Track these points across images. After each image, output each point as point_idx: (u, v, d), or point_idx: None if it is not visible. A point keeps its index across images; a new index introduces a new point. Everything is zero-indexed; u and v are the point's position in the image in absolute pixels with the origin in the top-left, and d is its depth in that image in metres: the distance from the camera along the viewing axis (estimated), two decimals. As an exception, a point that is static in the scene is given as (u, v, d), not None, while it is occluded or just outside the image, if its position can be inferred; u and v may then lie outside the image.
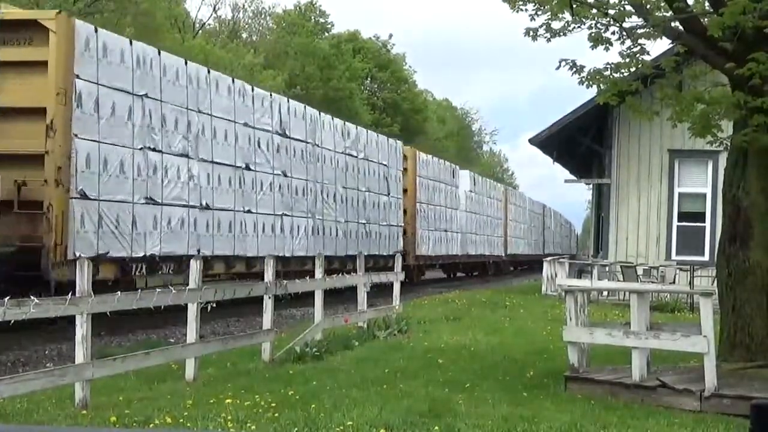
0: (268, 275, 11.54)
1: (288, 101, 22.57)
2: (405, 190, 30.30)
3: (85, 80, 14.60)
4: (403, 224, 29.74)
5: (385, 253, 27.11)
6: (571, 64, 10.47)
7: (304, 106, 23.19)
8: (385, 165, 28.38)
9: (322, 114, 24.31)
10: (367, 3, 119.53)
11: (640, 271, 20.50)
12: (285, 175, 21.48)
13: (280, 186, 21.24)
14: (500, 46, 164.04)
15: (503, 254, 44.75)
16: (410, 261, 29.17)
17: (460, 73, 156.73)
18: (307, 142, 22.74)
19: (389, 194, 28.63)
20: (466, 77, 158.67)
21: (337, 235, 24.48)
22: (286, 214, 21.53)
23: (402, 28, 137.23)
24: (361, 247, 24.59)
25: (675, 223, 22.78)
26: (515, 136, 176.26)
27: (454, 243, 35.71)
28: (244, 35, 60.25)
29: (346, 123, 26.14)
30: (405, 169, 30.33)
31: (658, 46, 42.96)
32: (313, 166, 23.19)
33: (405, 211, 30.23)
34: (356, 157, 25.99)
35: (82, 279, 8.28)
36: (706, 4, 10.34)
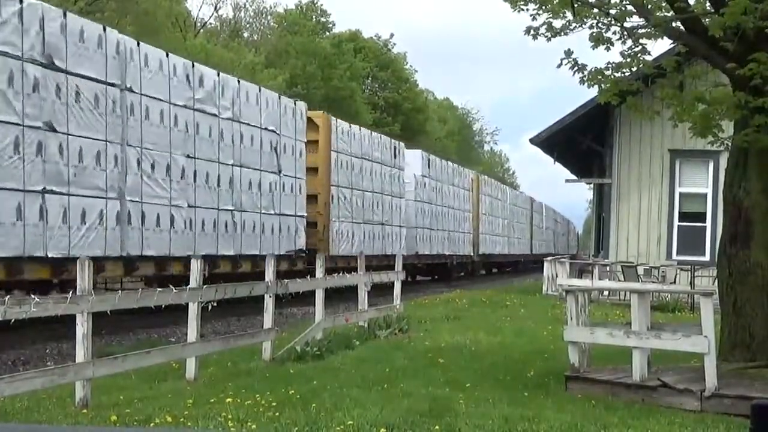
0: (269, 274, 11.54)
1: (64, 15, 14.33)
2: (313, 169, 22.92)
3: None
4: (305, 214, 22.24)
5: (271, 252, 15.78)
6: (572, 62, 10.47)
7: (103, 27, 15.50)
8: (274, 132, 20.72)
9: (142, 45, 16.37)
10: (368, 2, 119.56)
11: (640, 270, 20.50)
12: (51, 129, 13.79)
13: (40, 145, 13.58)
14: (503, 45, 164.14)
15: (473, 254, 38.01)
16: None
17: (463, 73, 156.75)
18: (109, 84, 15.14)
19: (280, 172, 20.97)
20: (468, 77, 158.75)
21: (172, 225, 16.95)
22: (50, 191, 13.86)
23: (403, 28, 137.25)
24: (224, 244, 18.58)
25: (676, 223, 22.79)
26: (517, 136, 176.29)
27: (396, 240, 28.24)
28: (246, 34, 60.24)
29: (197, 65, 18.35)
30: (314, 142, 22.90)
31: (659, 46, 42.98)
32: (121, 121, 15.53)
33: (315, 198, 23.10)
34: (216, 115, 18.36)
35: (82, 278, 8.28)
36: (707, 4, 10.34)
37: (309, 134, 22.59)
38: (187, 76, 17.50)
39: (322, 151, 23.29)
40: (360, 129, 26.36)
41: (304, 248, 21.98)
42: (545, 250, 56.28)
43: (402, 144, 29.98)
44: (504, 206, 44.87)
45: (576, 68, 10.53)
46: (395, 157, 28.45)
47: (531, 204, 54.36)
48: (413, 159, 30.91)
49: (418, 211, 30.83)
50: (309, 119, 22.83)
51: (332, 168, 23.65)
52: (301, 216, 22.01)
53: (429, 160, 32.56)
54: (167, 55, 17.06)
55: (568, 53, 10.43)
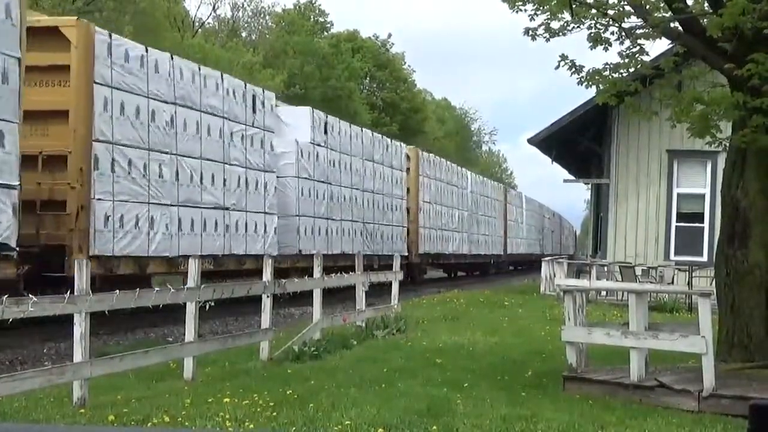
0: (267, 274, 11.54)
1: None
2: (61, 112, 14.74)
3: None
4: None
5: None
6: (570, 63, 10.48)
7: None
8: None
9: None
10: (367, 2, 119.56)
11: (638, 271, 20.50)
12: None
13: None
14: (502, 45, 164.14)
15: (410, 253, 31.07)
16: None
17: (461, 73, 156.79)
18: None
19: None
20: (467, 77, 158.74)
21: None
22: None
23: (401, 28, 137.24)
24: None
25: (674, 223, 22.80)
26: (516, 136, 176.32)
27: (257, 234, 20.02)
28: (244, 34, 60.23)
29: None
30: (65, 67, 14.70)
31: (657, 47, 42.99)
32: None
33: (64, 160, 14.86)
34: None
35: (81, 278, 8.28)
36: (706, 4, 10.35)
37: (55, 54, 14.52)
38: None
39: (77, 79, 14.69)
40: (171, 58, 17.03)
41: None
42: (526, 251, 51.98)
43: (271, 94, 21.67)
44: (463, 194, 37.69)
45: (574, 69, 10.54)
46: (255, 111, 19.98)
47: (505, 194, 47.50)
48: (298, 119, 22.94)
49: (303, 192, 22.54)
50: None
51: (95, 110, 14.77)
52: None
53: (326, 123, 24.07)
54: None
55: (564, 57, 10.44)
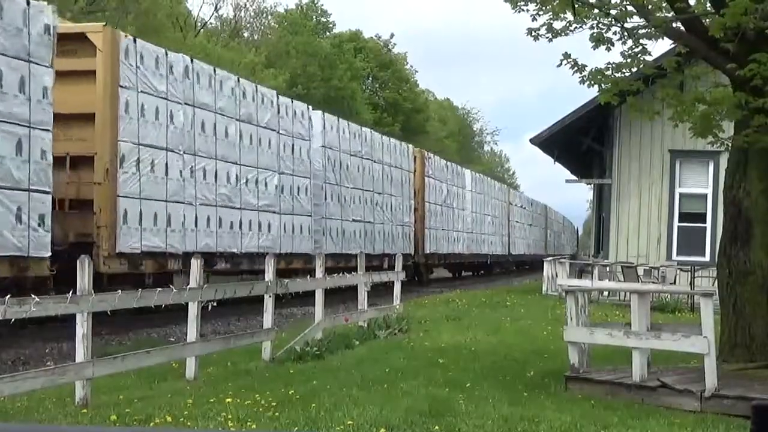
0: (269, 274, 11.54)
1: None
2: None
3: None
4: None
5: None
6: (572, 63, 10.47)
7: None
8: None
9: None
10: (369, 2, 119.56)
11: (640, 271, 20.49)
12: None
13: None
14: (505, 45, 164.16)
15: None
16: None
17: (464, 73, 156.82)
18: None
19: None
20: (469, 77, 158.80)
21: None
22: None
23: (404, 28, 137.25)
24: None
25: (676, 223, 22.77)
26: (519, 136, 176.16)
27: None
28: (246, 34, 60.22)
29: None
30: None
31: (659, 47, 43.03)
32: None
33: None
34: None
35: (83, 278, 8.28)
36: (708, 4, 10.34)
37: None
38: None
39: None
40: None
41: None
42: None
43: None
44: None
45: (576, 68, 10.53)
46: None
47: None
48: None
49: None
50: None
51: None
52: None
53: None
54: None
55: (566, 56, 10.43)
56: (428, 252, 31.81)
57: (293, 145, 21.62)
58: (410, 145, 31.94)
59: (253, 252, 19.52)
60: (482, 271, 43.54)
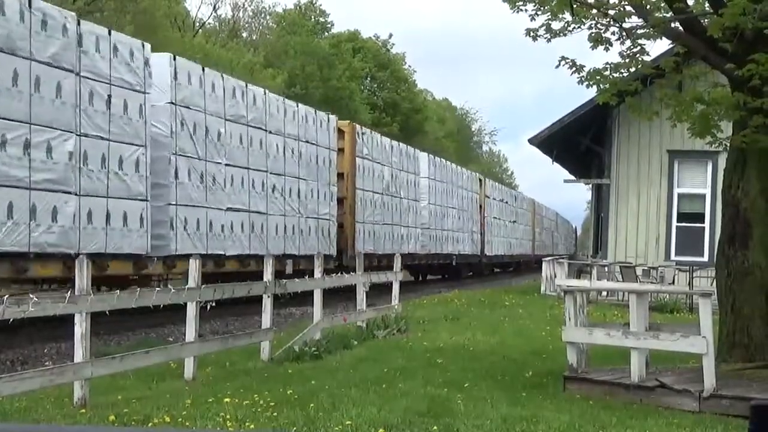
0: (268, 274, 11.54)
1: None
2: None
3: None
4: None
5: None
6: (570, 63, 10.48)
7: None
8: None
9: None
10: (367, 2, 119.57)
11: (639, 271, 20.51)
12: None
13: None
14: (503, 46, 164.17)
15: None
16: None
17: (463, 73, 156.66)
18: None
19: None
20: (468, 77, 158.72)
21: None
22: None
23: (402, 28, 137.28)
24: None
25: (674, 223, 22.79)
26: (518, 137, 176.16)
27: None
28: (244, 34, 60.21)
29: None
30: None
31: (658, 47, 43.03)
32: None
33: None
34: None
35: (81, 278, 8.27)
36: (706, 4, 10.34)
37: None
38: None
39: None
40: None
41: None
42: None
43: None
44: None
45: (574, 69, 10.54)
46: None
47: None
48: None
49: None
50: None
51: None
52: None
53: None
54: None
55: (564, 58, 10.44)
56: (361, 251, 21.78)
57: (110, 95, 14.84)
58: (333, 116, 24.11)
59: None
60: (446, 275, 35.90)
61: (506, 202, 44.39)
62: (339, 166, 23.88)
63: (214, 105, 18.00)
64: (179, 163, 16.87)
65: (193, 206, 17.26)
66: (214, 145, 18.00)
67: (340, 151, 24.02)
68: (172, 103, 16.69)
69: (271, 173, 20.20)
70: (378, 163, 26.30)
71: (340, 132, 24.30)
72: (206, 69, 18.42)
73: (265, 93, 20.34)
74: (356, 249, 23.74)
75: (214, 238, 17.92)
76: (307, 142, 21.97)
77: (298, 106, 21.94)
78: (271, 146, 20.17)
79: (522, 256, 47.52)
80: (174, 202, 16.68)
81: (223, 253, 18.19)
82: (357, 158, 24.76)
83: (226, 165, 18.41)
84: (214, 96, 18.03)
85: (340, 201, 24.05)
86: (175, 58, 17.11)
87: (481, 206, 38.24)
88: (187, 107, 17.12)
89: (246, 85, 19.66)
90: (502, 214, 42.65)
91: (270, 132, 20.16)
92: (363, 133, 25.63)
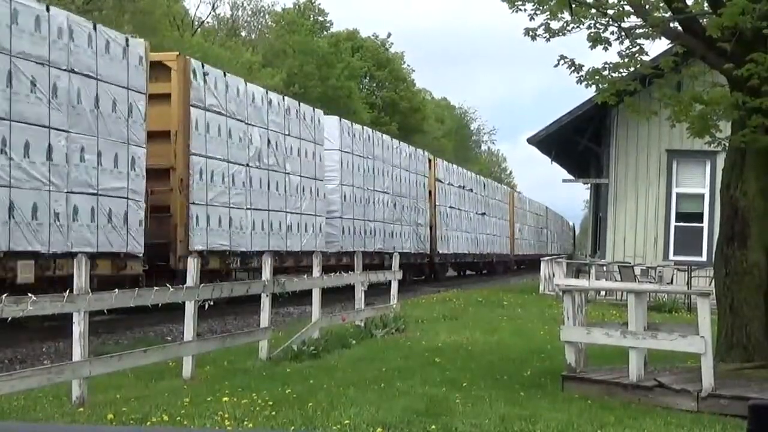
0: (266, 273, 11.53)
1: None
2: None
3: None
4: None
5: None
6: (569, 62, 10.48)
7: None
8: None
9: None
10: (366, 2, 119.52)
11: (637, 271, 20.51)
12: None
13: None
14: (502, 45, 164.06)
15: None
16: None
17: (462, 73, 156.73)
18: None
19: None
20: (467, 77, 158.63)
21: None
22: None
23: (401, 27, 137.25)
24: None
25: (673, 223, 22.81)
26: (517, 136, 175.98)
27: None
28: (243, 33, 60.21)
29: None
30: None
31: (656, 46, 43.01)
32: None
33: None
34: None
35: (80, 277, 8.27)
36: (705, 4, 10.34)
37: None
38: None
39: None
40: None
41: None
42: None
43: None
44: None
45: (573, 68, 10.54)
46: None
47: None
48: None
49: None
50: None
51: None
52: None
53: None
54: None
55: (563, 58, 10.44)
56: (201, 249, 17.22)
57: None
58: (139, 39, 16.92)
59: None
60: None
61: (470, 190, 37.71)
62: (159, 120, 17.00)
63: None
64: None
65: None
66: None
67: (160, 96, 17.14)
68: None
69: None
70: (238, 119, 19.08)
71: (160, 66, 17.44)
72: None
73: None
74: (191, 245, 17.24)
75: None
76: (72, 71, 13.98)
77: (68, 17, 14.21)
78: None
79: (496, 256, 42.22)
80: None
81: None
82: (194, 109, 17.61)
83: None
84: None
85: (164, 172, 17.46)
86: None
87: (430, 193, 32.52)
88: None
89: None
90: (462, 203, 36.31)
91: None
92: (207, 74, 18.20)
